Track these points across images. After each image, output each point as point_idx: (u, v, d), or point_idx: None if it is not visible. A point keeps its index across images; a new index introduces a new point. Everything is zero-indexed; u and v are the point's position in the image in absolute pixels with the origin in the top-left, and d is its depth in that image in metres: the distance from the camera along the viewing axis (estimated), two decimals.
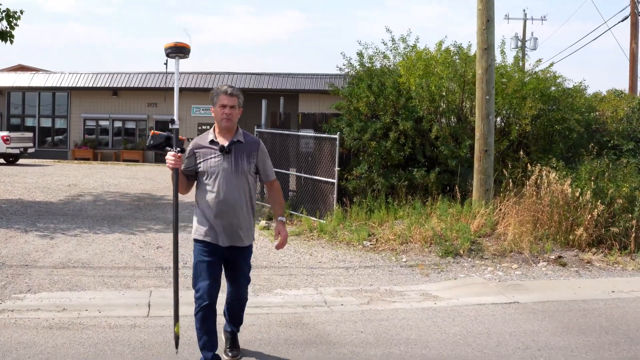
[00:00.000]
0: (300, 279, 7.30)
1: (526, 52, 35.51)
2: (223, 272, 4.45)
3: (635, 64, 20.90)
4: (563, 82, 12.01)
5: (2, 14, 13.52)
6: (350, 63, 12.29)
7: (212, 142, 4.36)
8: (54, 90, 33.56)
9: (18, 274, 6.97)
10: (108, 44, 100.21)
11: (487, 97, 9.91)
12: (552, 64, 11.65)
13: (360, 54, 12.22)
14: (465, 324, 5.71)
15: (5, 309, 5.78)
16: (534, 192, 9.27)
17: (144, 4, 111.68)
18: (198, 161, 4.34)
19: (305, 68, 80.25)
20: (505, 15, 41.02)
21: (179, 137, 4.25)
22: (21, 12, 13.60)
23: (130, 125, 33.77)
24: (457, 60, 11.44)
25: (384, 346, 5.07)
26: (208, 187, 4.29)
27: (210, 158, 4.31)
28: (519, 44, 36.73)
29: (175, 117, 4.34)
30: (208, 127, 32.96)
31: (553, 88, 11.74)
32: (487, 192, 9.93)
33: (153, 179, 20.60)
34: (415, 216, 9.69)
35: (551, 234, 8.84)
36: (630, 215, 8.72)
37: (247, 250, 4.47)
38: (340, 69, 12.64)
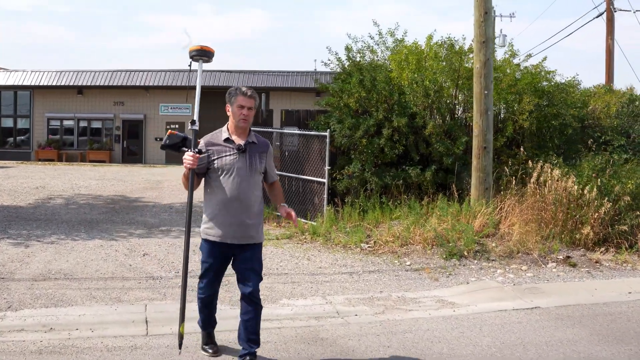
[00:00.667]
0: (304, 286, 6.80)
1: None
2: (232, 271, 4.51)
3: (611, 60, 20.98)
4: (553, 77, 11.79)
5: None
6: (339, 58, 11.78)
7: (227, 140, 4.39)
8: (15, 89, 32.15)
9: None
10: (70, 42, 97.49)
11: (486, 92, 9.53)
12: (545, 58, 11.36)
13: (348, 48, 11.72)
14: (495, 334, 5.30)
15: None
16: (537, 190, 8.96)
17: (104, 1, 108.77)
18: (212, 158, 4.33)
19: (274, 66, 79.61)
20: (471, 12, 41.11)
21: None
22: None
23: (96, 124, 32.53)
24: (451, 55, 11.06)
25: None
26: (222, 185, 4.30)
27: (226, 156, 4.33)
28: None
29: (196, 118, 4.34)
30: (176, 125, 31.73)
31: (545, 83, 11.49)
32: (486, 190, 9.56)
33: (123, 179, 19.77)
34: (414, 216, 9.26)
35: (556, 233, 8.54)
36: (637, 213, 8.48)
37: (257, 247, 4.47)
38: (326, 63, 12.15)
